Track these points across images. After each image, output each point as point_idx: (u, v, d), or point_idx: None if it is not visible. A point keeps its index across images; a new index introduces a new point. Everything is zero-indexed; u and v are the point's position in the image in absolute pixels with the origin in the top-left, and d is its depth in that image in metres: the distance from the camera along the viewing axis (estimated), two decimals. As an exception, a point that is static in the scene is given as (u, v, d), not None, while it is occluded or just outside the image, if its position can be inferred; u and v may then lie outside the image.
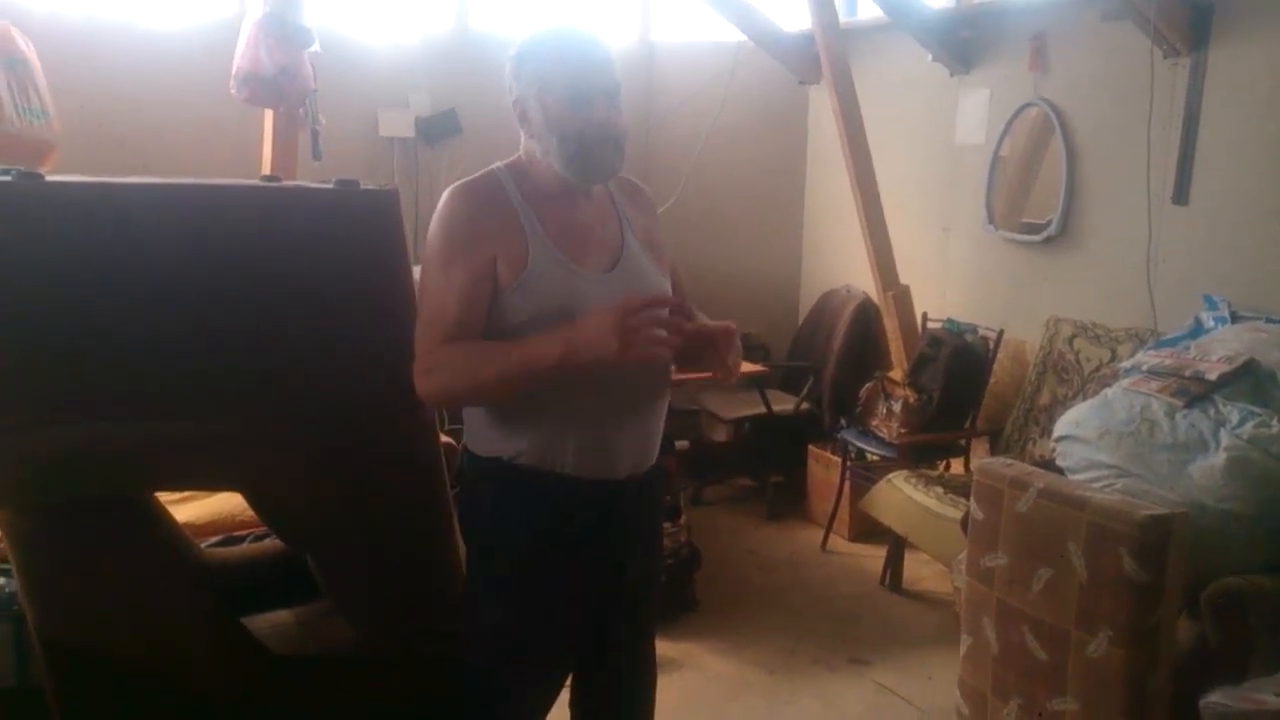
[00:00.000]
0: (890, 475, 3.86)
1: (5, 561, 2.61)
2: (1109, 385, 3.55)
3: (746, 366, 4.38)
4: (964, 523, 3.18)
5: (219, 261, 1.91)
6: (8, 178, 1.78)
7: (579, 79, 1.79)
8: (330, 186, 2.06)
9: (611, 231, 1.91)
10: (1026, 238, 4.18)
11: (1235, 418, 2.74)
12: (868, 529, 4.24)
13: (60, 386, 1.78)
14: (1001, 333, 4.08)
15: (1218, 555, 2.55)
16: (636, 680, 2.12)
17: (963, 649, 2.88)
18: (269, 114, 4.11)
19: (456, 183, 1.85)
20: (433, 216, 1.83)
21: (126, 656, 1.90)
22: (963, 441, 4.17)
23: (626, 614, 2.03)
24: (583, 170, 1.81)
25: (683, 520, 3.68)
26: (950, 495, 3.63)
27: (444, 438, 2.37)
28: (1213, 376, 2.85)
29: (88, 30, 4.14)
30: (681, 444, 3.73)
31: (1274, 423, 2.69)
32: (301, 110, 4.04)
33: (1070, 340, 3.92)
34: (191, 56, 4.28)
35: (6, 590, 2.52)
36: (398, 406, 2.04)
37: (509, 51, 1.87)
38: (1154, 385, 2.94)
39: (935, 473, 4.02)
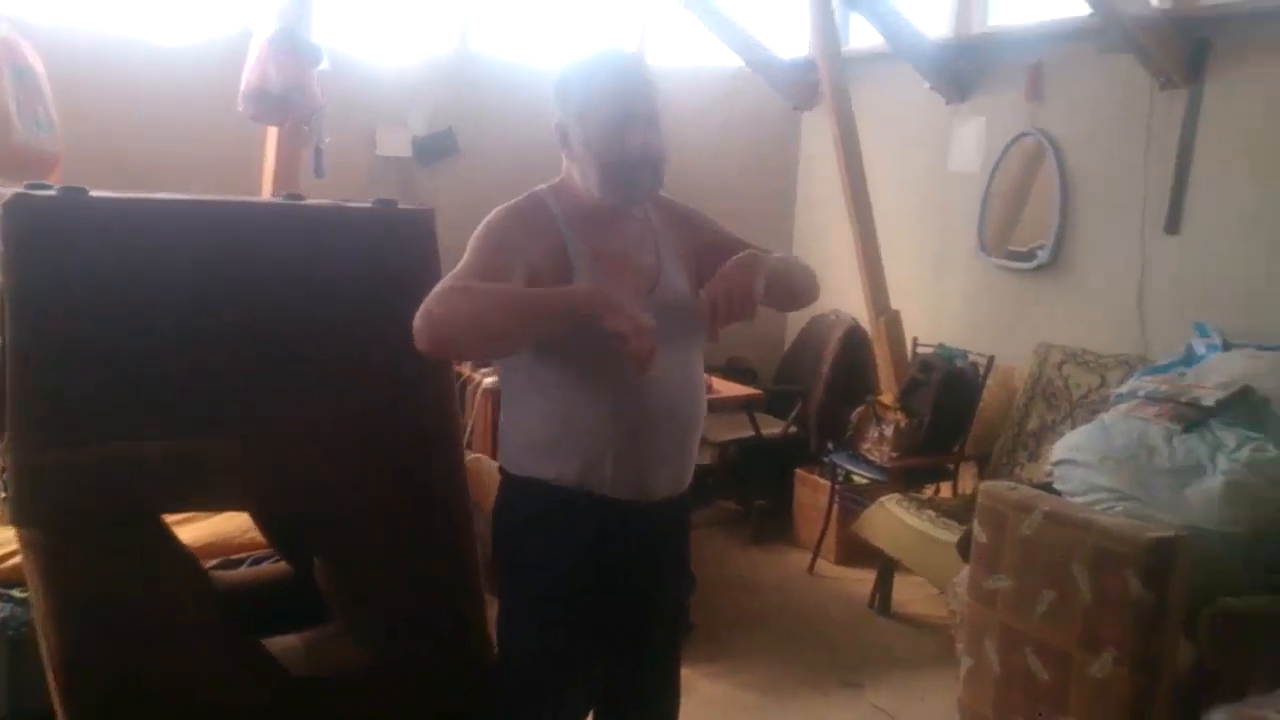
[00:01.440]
0: (883, 498, 3.89)
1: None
2: (1099, 410, 3.62)
3: (735, 389, 4.42)
4: (960, 545, 3.23)
5: (264, 278, 1.92)
6: (52, 193, 1.78)
7: (618, 105, 1.82)
8: (370, 206, 2.08)
9: (648, 254, 1.93)
10: (1018, 265, 4.25)
11: (1232, 443, 2.79)
12: (855, 552, 4.25)
13: (97, 405, 1.77)
14: (993, 359, 4.13)
15: (1215, 577, 2.59)
16: (665, 703, 2.14)
17: (963, 670, 2.90)
18: (272, 131, 4.12)
19: (504, 204, 1.88)
20: (474, 233, 1.86)
21: (151, 676, 1.87)
22: (951, 466, 4.21)
23: (656, 637, 2.05)
24: (618, 193, 1.85)
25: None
26: (943, 518, 3.67)
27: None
28: (1210, 402, 2.90)
29: (91, 45, 4.14)
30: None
31: (1270, 448, 2.74)
32: (306, 128, 4.05)
33: (1060, 366, 3.98)
34: (194, 73, 4.27)
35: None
36: (432, 426, 2.07)
37: (554, 78, 1.91)
38: (1151, 411, 2.99)
39: (926, 496, 4.06)
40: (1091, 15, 3.69)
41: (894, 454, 4.06)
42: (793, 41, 5.35)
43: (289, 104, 3.99)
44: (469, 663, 2.15)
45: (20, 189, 1.84)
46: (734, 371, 4.96)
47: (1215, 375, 3.04)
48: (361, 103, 4.64)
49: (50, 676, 1.89)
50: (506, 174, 4.47)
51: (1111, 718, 2.49)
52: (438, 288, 1.73)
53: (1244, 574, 2.61)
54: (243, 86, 3.93)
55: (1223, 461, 2.74)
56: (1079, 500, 2.89)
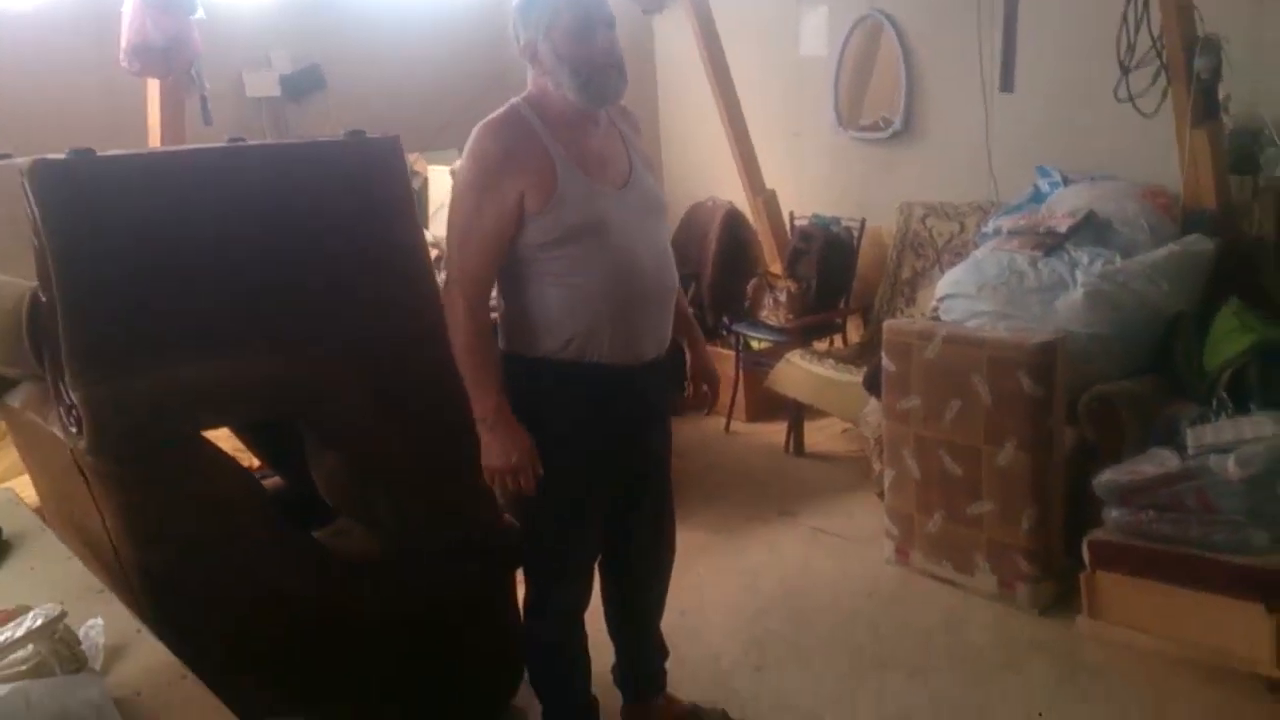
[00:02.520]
0: (787, 355, 4.34)
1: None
2: (962, 253, 4.14)
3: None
4: (866, 381, 3.69)
5: (267, 215, 2.11)
6: (63, 156, 1.93)
7: (580, 14, 2.07)
8: (342, 139, 2.28)
9: (618, 152, 2.22)
10: (874, 135, 4.71)
11: (1085, 260, 3.32)
12: (763, 409, 4.71)
13: (141, 338, 1.95)
14: (864, 221, 4.60)
15: (1087, 370, 3.12)
16: (665, 553, 2.53)
17: (886, 482, 3.40)
18: (153, 84, 4.14)
19: (487, 118, 2.13)
20: (467, 146, 2.11)
21: (219, 571, 2.10)
22: (840, 320, 4.70)
23: (652, 486, 2.42)
24: (594, 95, 2.11)
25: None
26: (843, 365, 4.15)
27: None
28: (1063, 229, 3.42)
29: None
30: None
31: (1117, 259, 3.28)
32: (190, 76, 4.10)
33: (923, 220, 4.48)
34: (54, 34, 4.23)
35: None
36: (418, 327, 2.31)
37: (512, 3, 2.14)
38: (1015, 243, 3.50)
39: (824, 349, 4.54)
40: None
41: (790, 316, 4.51)
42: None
43: (170, 56, 4.04)
44: (480, 541, 2.44)
45: (35, 157, 1.98)
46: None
47: (1062, 206, 3.57)
48: (224, 46, 4.65)
49: (134, 585, 2.11)
50: (376, 105, 4.68)
51: (1017, 494, 3.03)
52: (452, 278, 2.12)
53: (1109, 365, 3.15)
54: (123, 44, 3.95)
55: (1081, 276, 3.26)
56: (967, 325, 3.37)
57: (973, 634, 3.00)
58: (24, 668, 1.45)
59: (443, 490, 2.33)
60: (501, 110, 2.15)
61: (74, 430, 1.93)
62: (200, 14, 4.02)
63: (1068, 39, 3.99)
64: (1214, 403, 2.96)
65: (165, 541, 2.04)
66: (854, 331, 4.71)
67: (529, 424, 2.19)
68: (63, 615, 1.53)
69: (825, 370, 4.14)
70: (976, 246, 3.85)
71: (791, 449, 4.46)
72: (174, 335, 2.01)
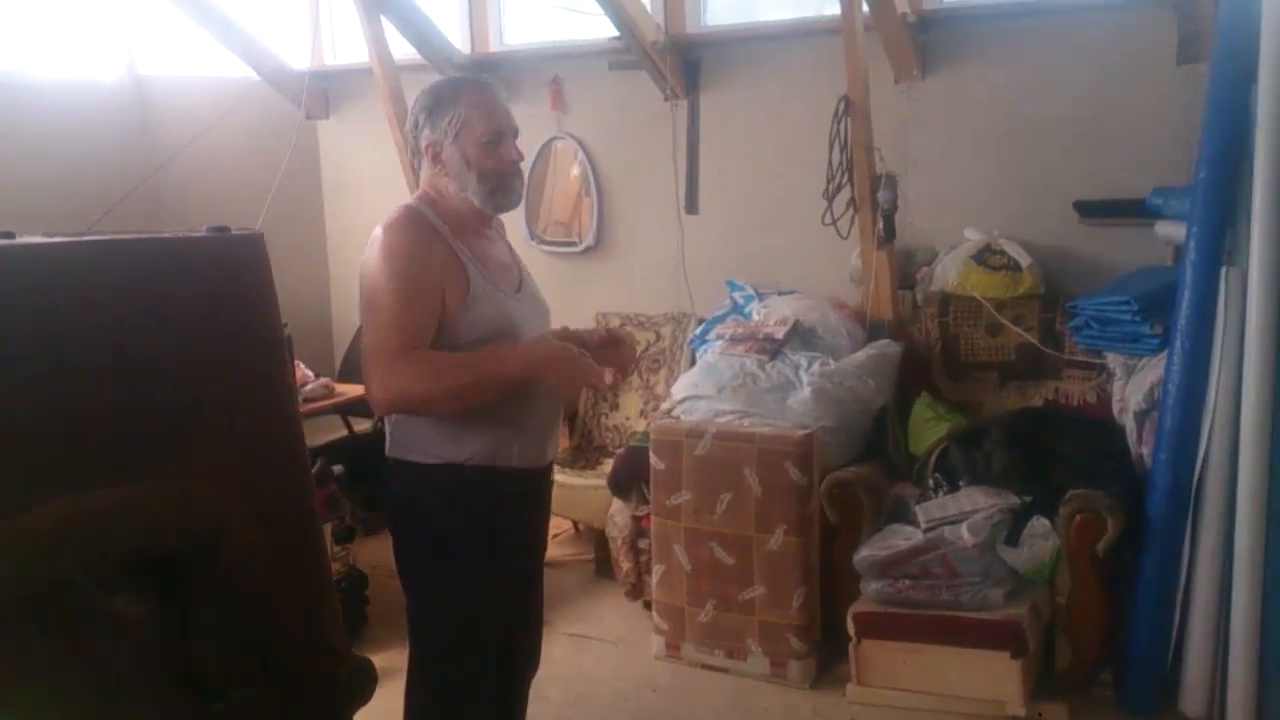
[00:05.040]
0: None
1: None
2: (660, 361, 4.47)
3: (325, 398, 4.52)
4: (612, 482, 3.82)
5: (121, 318, 1.83)
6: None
7: (492, 123, 2.08)
8: (203, 234, 2.04)
9: (506, 255, 2.23)
10: (568, 249, 4.94)
11: (804, 362, 3.73)
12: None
13: (12, 469, 1.63)
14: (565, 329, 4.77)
15: (824, 459, 3.50)
16: (540, 627, 2.46)
17: (655, 577, 3.53)
18: None
19: (389, 220, 2.04)
20: (375, 250, 2.00)
21: None
22: (542, 428, 4.80)
23: (540, 575, 2.37)
24: (500, 202, 2.12)
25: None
26: (572, 470, 4.25)
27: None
28: (780, 335, 3.83)
29: None
30: (338, 468, 3.82)
31: (830, 361, 3.73)
32: None
33: (620, 328, 4.75)
34: None
35: None
36: (280, 432, 2.12)
37: (417, 102, 2.09)
38: (740, 349, 3.84)
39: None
40: (615, 38, 4.44)
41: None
42: (295, 52, 5.43)
43: None
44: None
45: None
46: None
47: (774, 315, 3.99)
48: None
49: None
50: (8, 196, 4.08)
51: (787, 576, 3.30)
52: (382, 352, 1.98)
53: (837, 453, 3.55)
54: None
55: (805, 376, 3.66)
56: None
57: (759, 715, 3.18)
58: None
59: (319, 616, 2.10)
60: (401, 212, 2.09)
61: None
62: None
63: (739, 169, 4.51)
64: (930, 482, 3.46)
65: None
66: (564, 440, 4.82)
67: (431, 535, 2.09)
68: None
69: (555, 476, 4.19)
70: (692, 354, 4.19)
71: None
72: (49, 464, 1.69)
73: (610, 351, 2.27)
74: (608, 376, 2.17)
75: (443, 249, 2.05)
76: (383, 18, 4.77)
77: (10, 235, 1.99)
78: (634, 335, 2.43)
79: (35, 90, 4.53)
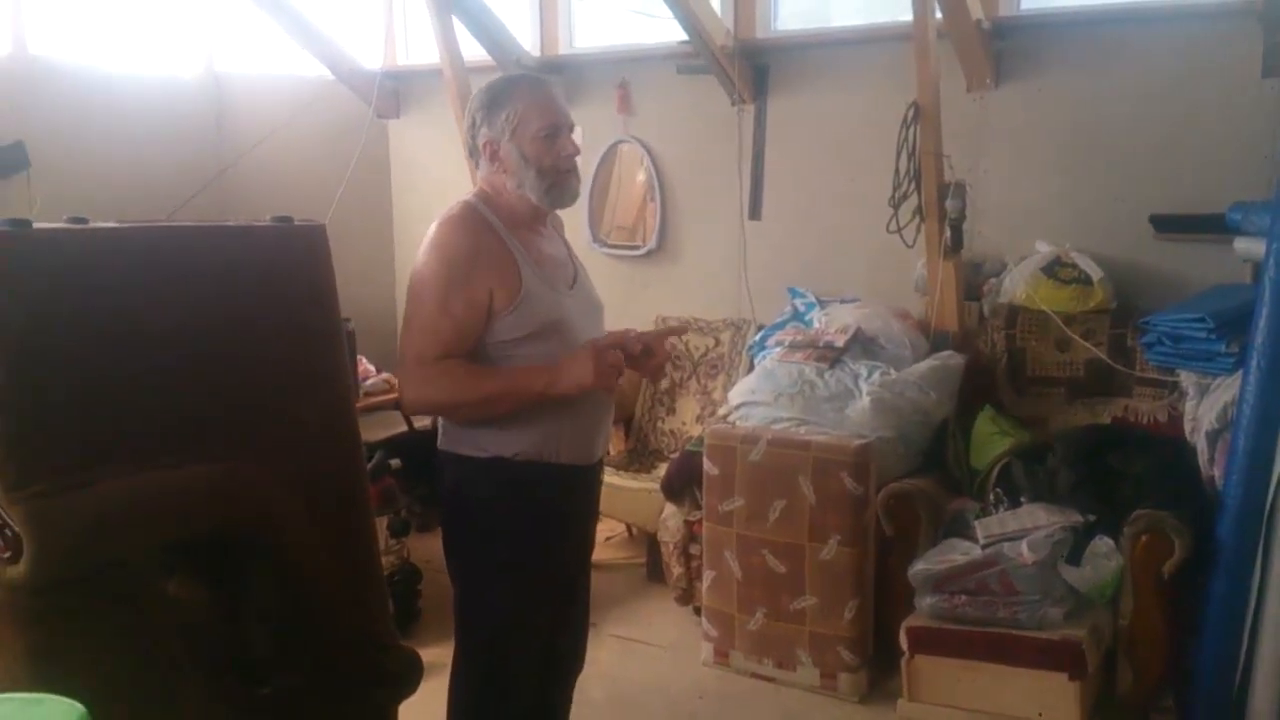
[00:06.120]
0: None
1: None
2: (719, 367, 4.44)
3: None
4: (666, 486, 3.81)
5: (195, 304, 1.88)
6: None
7: (551, 120, 2.09)
8: (268, 223, 2.08)
9: (562, 252, 2.24)
10: (630, 252, 4.94)
11: (864, 371, 3.68)
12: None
13: (87, 445, 1.67)
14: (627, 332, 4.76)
15: (881, 470, 3.45)
16: (585, 630, 2.44)
17: (706, 582, 3.50)
18: None
19: (445, 214, 2.05)
20: (426, 242, 2.02)
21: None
22: (600, 431, 4.80)
23: (586, 579, 2.37)
24: (557, 198, 2.13)
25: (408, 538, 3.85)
26: (626, 473, 4.25)
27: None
28: (840, 344, 3.78)
29: None
30: (395, 462, 3.87)
31: (891, 371, 3.68)
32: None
33: (680, 333, 4.73)
34: None
35: None
36: (336, 422, 2.14)
37: (474, 101, 2.10)
38: (799, 356, 3.80)
39: (592, 458, 4.59)
40: (684, 42, 4.43)
41: (559, 426, 4.53)
42: (369, 52, 5.52)
43: None
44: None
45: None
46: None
47: (835, 323, 3.94)
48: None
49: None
50: (86, 187, 4.19)
51: (840, 587, 3.24)
52: (416, 356, 2.02)
53: (895, 465, 3.49)
54: None
55: (864, 386, 3.61)
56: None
57: (807, 726, 3.14)
58: None
59: (367, 606, 2.12)
60: (457, 208, 2.10)
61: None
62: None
63: (804, 177, 4.47)
64: (991, 497, 3.38)
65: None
66: (618, 442, 4.81)
67: (478, 529, 2.10)
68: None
69: (609, 478, 4.19)
70: (750, 360, 4.16)
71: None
72: (114, 441, 1.74)
73: (644, 359, 2.26)
74: (620, 381, 2.17)
75: (495, 245, 2.06)
76: (454, 19, 4.82)
77: (83, 221, 2.05)
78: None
79: (117, 84, 4.68)
